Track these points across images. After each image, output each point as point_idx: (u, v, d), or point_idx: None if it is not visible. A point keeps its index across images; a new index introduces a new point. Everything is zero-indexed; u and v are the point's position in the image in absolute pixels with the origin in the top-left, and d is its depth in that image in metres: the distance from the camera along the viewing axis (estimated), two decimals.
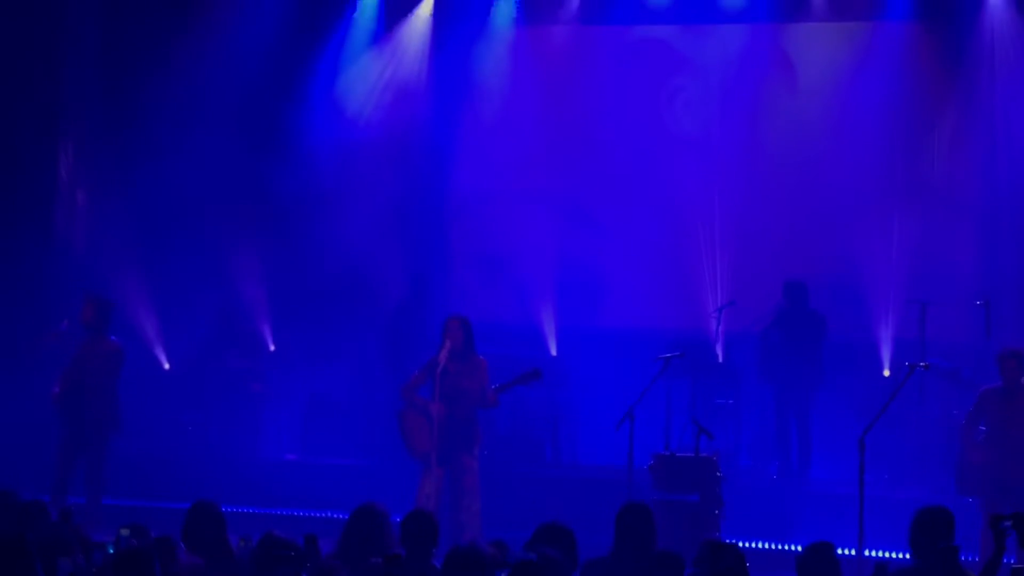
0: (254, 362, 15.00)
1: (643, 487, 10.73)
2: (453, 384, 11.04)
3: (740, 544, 7.90)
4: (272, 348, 15.29)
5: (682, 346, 12.21)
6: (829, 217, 14.64)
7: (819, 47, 15.20)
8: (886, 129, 14.55)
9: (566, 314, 15.18)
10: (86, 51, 15.61)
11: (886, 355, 14.05)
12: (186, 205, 14.66)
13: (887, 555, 10.85)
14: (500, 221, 15.39)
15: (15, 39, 14.98)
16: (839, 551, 7.24)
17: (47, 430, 12.44)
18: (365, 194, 15.05)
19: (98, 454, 12.01)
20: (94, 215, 15.48)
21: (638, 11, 15.47)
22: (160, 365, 15.04)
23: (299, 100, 15.41)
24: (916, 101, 14.62)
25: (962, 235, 14.35)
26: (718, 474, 10.90)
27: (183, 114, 14.69)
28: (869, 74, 14.56)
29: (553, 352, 15.01)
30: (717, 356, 14.04)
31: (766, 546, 11.78)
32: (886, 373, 13.92)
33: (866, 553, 9.84)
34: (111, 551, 7.26)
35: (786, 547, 11.53)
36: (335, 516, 12.11)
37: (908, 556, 7.56)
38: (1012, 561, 8.37)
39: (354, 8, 15.89)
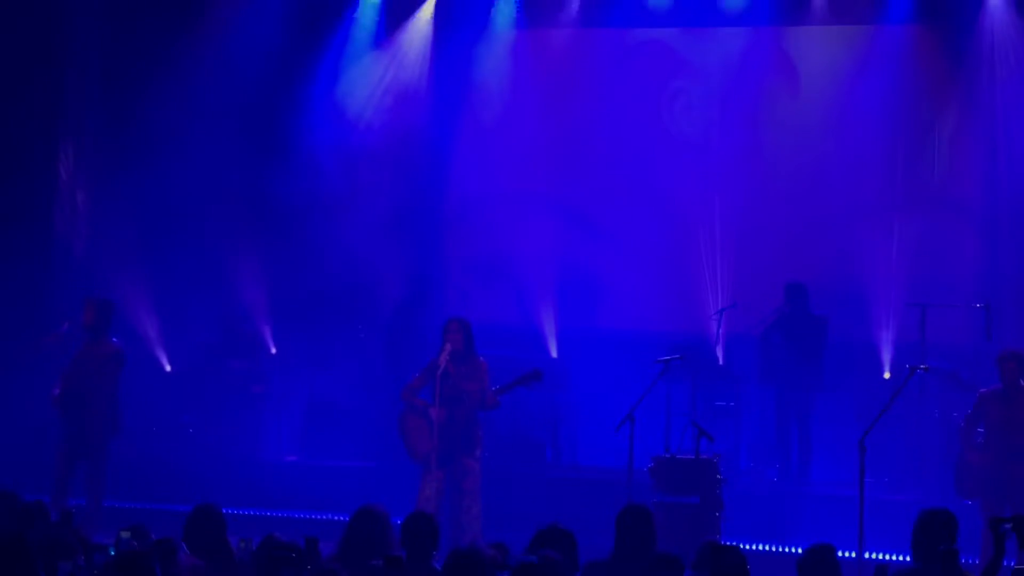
0: (255, 364, 15.00)
1: (643, 489, 10.73)
2: (454, 386, 11.04)
3: (740, 546, 7.88)
4: (273, 350, 15.29)
5: (682, 348, 12.23)
6: (829, 219, 14.65)
7: (819, 50, 15.20)
8: (886, 132, 14.56)
9: (566, 316, 15.18)
10: (87, 53, 15.62)
11: (886, 357, 14.05)
12: (186, 207, 14.67)
13: (887, 557, 10.86)
14: (500, 223, 15.39)
15: (16, 41, 15.00)
16: (839, 553, 7.25)
17: (47, 432, 12.43)
18: (366, 197, 15.06)
19: (99, 456, 11.99)
20: (95, 217, 15.49)
21: (638, 14, 15.46)
22: (161, 367, 15.05)
23: (300, 103, 15.42)
24: (916, 104, 14.63)
25: (962, 237, 14.35)
26: (718, 476, 10.89)
27: (183, 116, 14.69)
28: (869, 77, 14.56)
29: (553, 354, 15.02)
30: (717, 358, 14.05)
31: (766, 548, 11.76)
32: (886, 375, 13.92)
33: (866, 555, 9.84)
34: (112, 553, 7.26)
35: (786, 549, 11.52)
36: (336, 518, 12.10)
37: (908, 558, 7.57)
38: (1012, 564, 8.36)
39: (355, 11, 15.90)
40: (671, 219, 15.07)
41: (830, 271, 14.32)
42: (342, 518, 9.25)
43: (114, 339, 12.10)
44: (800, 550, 7.42)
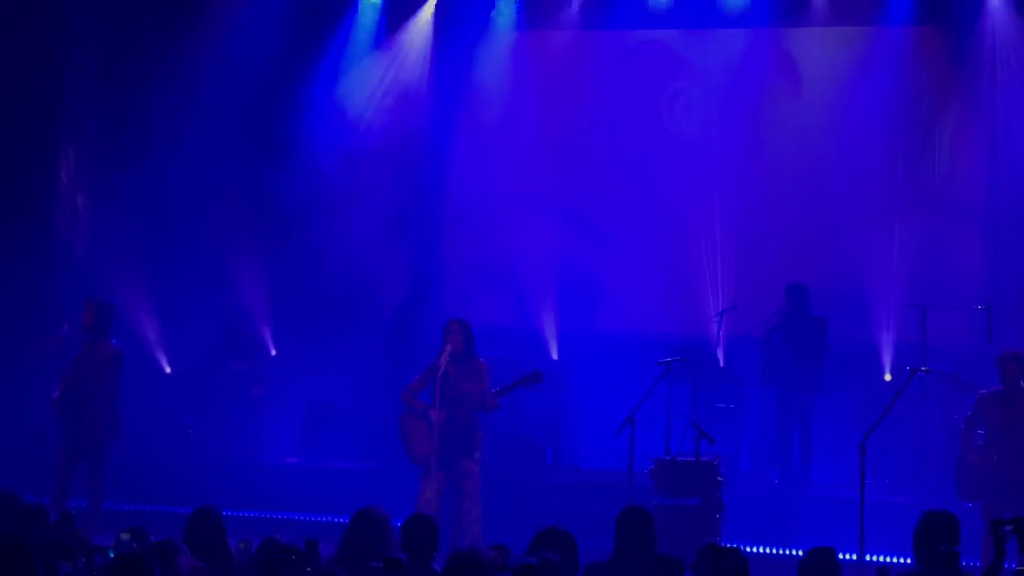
0: (255, 366, 14.99)
1: (644, 491, 10.72)
2: (454, 387, 11.04)
3: (741, 548, 7.87)
4: (273, 352, 15.29)
5: (683, 350, 12.22)
6: (830, 221, 14.65)
7: (820, 51, 15.19)
8: (887, 133, 14.56)
9: (567, 318, 15.18)
10: (87, 55, 15.62)
11: (887, 359, 14.05)
12: (187, 208, 14.67)
13: (888, 559, 10.86)
14: (501, 224, 15.38)
15: (16, 41, 14.99)
16: (840, 556, 7.23)
17: (47, 434, 12.43)
18: (366, 198, 15.05)
19: (98, 458, 11.98)
20: (95, 219, 15.48)
21: (639, 15, 15.45)
22: (161, 369, 15.05)
23: (300, 104, 15.41)
24: (917, 105, 14.64)
25: (963, 239, 14.35)
26: (719, 478, 10.88)
27: (184, 118, 14.69)
28: (870, 78, 14.55)
29: (554, 356, 15.01)
30: (718, 360, 14.03)
31: (767, 550, 11.76)
32: (887, 377, 13.92)
33: (867, 558, 9.84)
34: (111, 555, 7.25)
35: (787, 551, 11.52)
36: (336, 520, 12.10)
37: (910, 560, 7.56)
38: (1013, 566, 8.35)
39: (355, 12, 15.90)
40: (671, 220, 15.06)
41: (831, 272, 14.32)
42: (342, 520, 9.24)
43: (114, 341, 12.09)
44: (801, 552, 7.40)
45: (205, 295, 14.60)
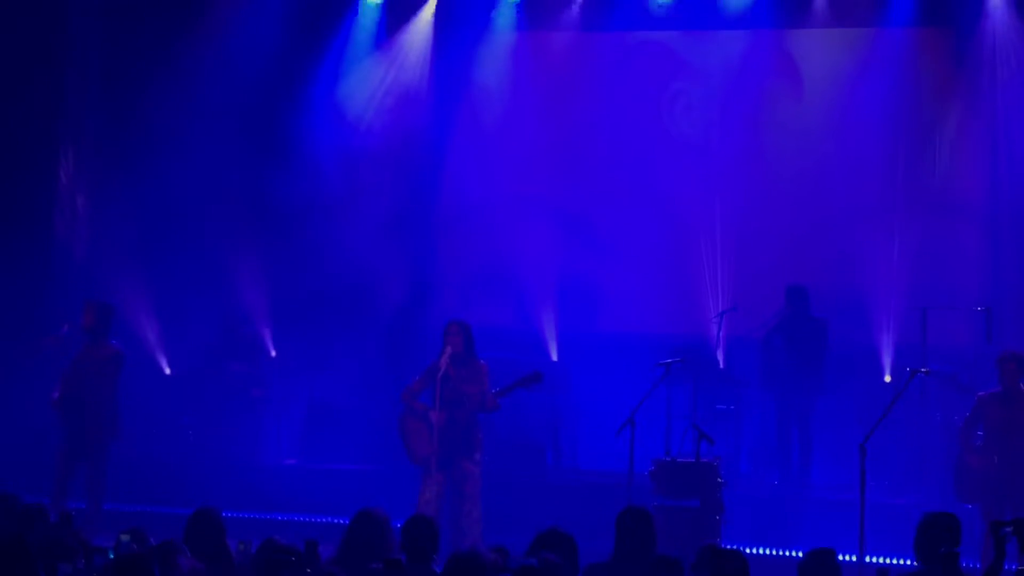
0: (255, 367, 14.98)
1: (644, 492, 10.71)
2: (454, 389, 11.03)
3: (741, 550, 7.86)
4: (273, 353, 15.28)
5: (683, 351, 12.21)
6: (831, 222, 14.65)
7: (820, 53, 15.19)
8: (888, 134, 14.56)
9: (567, 319, 15.17)
10: (87, 56, 15.62)
11: (887, 361, 14.05)
12: (187, 210, 14.67)
13: (888, 561, 10.85)
14: (501, 225, 15.37)
15: (16, 41, 14.99)
16: (840, 557, 7.23)
17: (47, 434, 12.43)
18: (366, 199, 15.05)
19: (98, 459, 11.98)
20: (95, 220, 15.48)
21: (639, 16, 15.45)
22: (161, 370, 15.05)
23: (300, 104, 15.41)
24: (918, 107, 14.63)
25: (964, 240, 14.34)
26: (719, 480, 10.87)
27: (184, 119, 14.69)
28: (870, 80, 14.55)
29: (554, 357, 15.01)
30: (718, 362, 14.03)
31: (767, 552, 11.76)
32: (887, 379, 13.92)
33: (867, 559, 9.83)
34: (111, 556, 7.25)
35: (787, 553, 11.52)
36: (335, 521, 12.09)
37: (910, 562, 7.55)
38: (1014, 567, 8.34)
39: (355, 13, 15.89)
40: (672, 221, 15.06)
41: (831, 274, 14.32)
42: (342, 521, 9.24)
43: (113, 341, 12.09)
44: (801, 554, 7.40)
45: (205, 296, 14.60)
